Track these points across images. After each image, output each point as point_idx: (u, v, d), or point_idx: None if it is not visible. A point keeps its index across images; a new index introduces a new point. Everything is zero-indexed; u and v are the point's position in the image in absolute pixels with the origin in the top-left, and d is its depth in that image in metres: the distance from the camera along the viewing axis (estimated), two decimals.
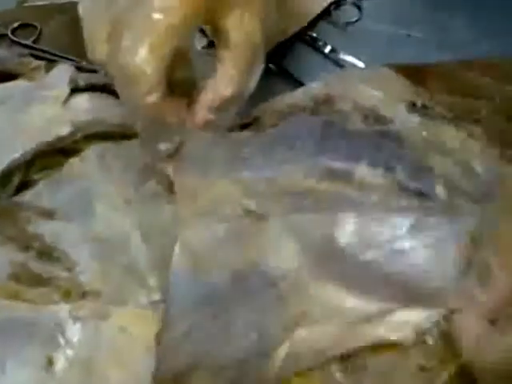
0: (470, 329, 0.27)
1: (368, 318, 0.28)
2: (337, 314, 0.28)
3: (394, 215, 0.30)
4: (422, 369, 0.29)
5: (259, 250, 0.30)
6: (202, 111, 0.32)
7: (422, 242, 0.30)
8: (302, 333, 0.28)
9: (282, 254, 0.30)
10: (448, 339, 0.28)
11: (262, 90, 0.50)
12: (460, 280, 0.28)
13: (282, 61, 0.49)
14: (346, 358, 0.28)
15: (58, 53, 0.49)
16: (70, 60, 0.46)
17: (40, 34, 0.49)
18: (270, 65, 0.51)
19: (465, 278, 0.28)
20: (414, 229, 0.30)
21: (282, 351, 0.28)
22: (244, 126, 0.37)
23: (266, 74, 0.51)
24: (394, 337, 0.28)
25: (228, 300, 0.28)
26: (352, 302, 0.28)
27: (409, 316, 0.28)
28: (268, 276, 0.29)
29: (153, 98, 0.30)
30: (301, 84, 0.45)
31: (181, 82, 0.33)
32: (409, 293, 0.29)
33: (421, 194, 0.32)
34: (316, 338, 0.28)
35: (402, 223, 0.30)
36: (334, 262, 0.29)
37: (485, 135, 0.35)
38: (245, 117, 0.37)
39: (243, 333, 0.28)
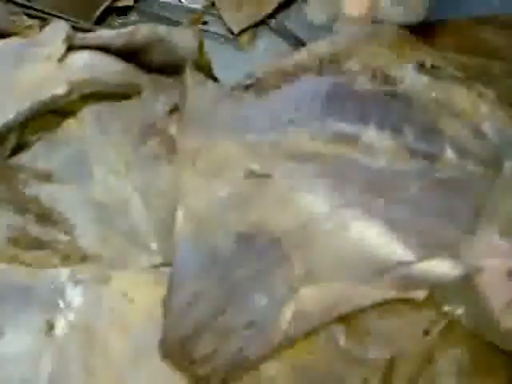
0: (498, 287, 0.26)
1: (378, 274, 0.28)
2: (345, 271, 0.28)
3: (403, 177, 0.29)
4: (426, 333, 0.28)
5: (262, 211, 0.29)
6: None
7: (431, 196, 0.29)
8: (308, 291, 0.27)
9: (286, 214, 0.29)
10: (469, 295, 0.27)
11: (265, 51, 0.49)
12: (480, 232, 0.27)
13: (285, 20, 0.47)
14: (350, 323, 0.28)
15: (52, 12, 0.48)
16: (66, 20, 0.45)
17: None
18: (273, 25, 0.50)
19: (485, 230, 0.27)
20: (424, 185, 0.29)
21: (289, 311, 0.27)
22: (247, 87, 0.36)
23: (269, 34, 0.50)
24: (404, 294, 0.27)
25: (233, 263, 0.28)
26: (362, 258, 0.28)
27: (428, 268, 0.28)
28: (272, 236, 0.28)
29: None
30: (304, 44, 0.43)
31: None
32: (426, 242, 0.28)
33: (430, 157, 0.31)
34: (323, 296, 0.27)
35: (412, 182, 0.29)
36: (342, 216, 0.29)
37: (496, 97, 0.33)
38: (247, 77, 0.36)
39: (249, 295, 0.27)
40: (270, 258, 0.28)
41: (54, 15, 0.48)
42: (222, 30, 0.50)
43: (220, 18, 0.51)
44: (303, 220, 0.29)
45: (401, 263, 0.28)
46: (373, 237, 0.28)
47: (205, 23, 0.51)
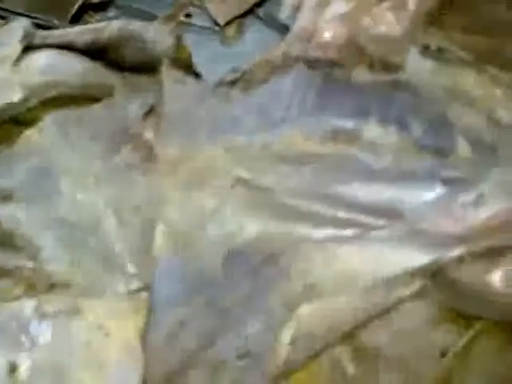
0: None
1: (385, 285, 0.25)
2: (348, 284, 0.25)
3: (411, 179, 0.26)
4: (444, 354, 0.25)
5: (254, 225, 0.26)
6: None
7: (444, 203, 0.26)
8: (309, 308, 0.25)
9: (281, 227, 0.26)
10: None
11: (253, 43, 0.46)
12: None
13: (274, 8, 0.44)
14: (357, 346, 0.25)
15: (23, 12, 0.45)
16: (28, 16, 0.42)
17: None
18: (261, 14, 0.47)
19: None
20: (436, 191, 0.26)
21: (288, 334, 0.24)
22: (232, 83, 0.32)
23: (257, 24, 0.47)
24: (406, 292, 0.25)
25: (222, 286, 0.25)
26: (365, 267, 0.25)
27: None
28: (267, 253, 0.25)
29: None
30: None
31: None
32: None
33: (441, 152, 0.27)
34: (326, 313, 0.25)
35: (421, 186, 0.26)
36: (342, 228, 0.26)
37: (511, 80, 0.30)
38: (233, 71, 0.33)
39: (242, 321, 0.24)
40: (265, 277, 0.25)
41: (24, 15, 0.44)
42: (207, 23, 0.47)
43: (205, 9, 0.48)
44: (301, 231, 0.25)
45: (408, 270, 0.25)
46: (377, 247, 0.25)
47: (188, 16, 0.48)
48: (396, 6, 0.26)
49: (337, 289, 0.25)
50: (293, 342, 0.24)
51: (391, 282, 0.25)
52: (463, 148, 0.28)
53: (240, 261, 0.25)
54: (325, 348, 0.25)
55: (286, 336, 0.24)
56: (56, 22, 0.45)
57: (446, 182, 0.27)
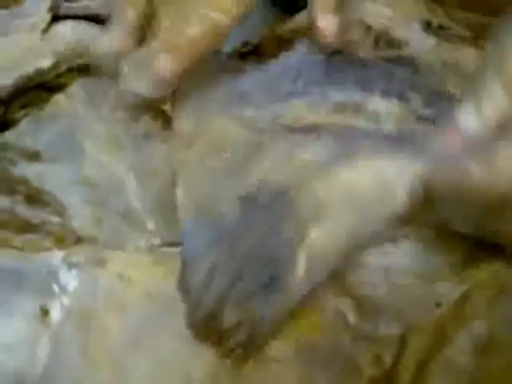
0: None
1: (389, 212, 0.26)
2: (355, 208, 0.26)
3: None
4: (439, 305, 0.27)
5: (263, 170, 0.28)
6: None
7: None
8: (318, 231, 0.26)
9: (288, 167, 0.27)
10: None
11: (259, 18, 0.47)
12: None
13: None
14: (358, 298, 0.27)
15: None
16: None
17: None
18: None
19: None
20: None
21: (303, 258, 0.26)
22: (243, 55, 0.34)
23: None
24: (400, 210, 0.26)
25: (240, 228, 0.27)
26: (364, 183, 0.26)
27: None
28: (276, 188, 0.27)
29: None
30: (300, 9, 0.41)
31: None
32: None
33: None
34: (334, 233, 0.26)
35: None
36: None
37: None
38: (244, 45, 0.34)
39: (263, 255, 0.26)
40: (277, 213, 0.26)
41: None
42: None
43: None
44: (308, 169, 0.27)
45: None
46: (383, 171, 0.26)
47: None
48: None
49: (341, 209, 0.26)
50: (307, 265, 0.25)
51: (387, 195, 0.26)
52: None
53: (252, 202, 0.27)
54: (334, 272, 0.26)
55: (302, 260, 0.26)
56: None
57: None
